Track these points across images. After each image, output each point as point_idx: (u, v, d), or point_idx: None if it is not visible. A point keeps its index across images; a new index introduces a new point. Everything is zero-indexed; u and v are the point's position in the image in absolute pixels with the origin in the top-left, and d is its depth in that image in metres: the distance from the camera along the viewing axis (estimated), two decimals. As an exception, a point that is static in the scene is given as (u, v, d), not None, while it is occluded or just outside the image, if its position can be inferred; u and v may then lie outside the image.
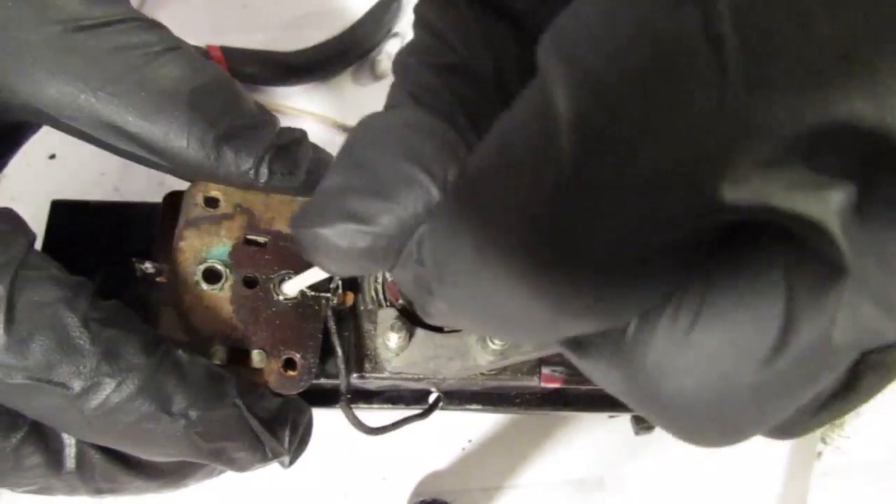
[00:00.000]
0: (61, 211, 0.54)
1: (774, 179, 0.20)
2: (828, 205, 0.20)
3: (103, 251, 0.49)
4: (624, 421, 0.87)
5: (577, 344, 0.28)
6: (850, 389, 0.26)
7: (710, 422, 0.25)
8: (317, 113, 0.94)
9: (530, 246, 0.23)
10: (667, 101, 0.19)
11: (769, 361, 0.23)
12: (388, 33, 1.00)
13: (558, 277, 0.23)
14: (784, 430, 0.28)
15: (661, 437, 0.86)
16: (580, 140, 0.21)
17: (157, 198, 0.54)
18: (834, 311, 0.22)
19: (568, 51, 0.21)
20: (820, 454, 0.82)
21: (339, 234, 0.33)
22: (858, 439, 0.81)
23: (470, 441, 0.89)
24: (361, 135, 0.36)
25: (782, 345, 0.23)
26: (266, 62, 0.93)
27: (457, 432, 0.89)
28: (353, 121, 0.94)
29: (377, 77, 0.99)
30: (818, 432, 0.83)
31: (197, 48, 0.84)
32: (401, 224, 0.32)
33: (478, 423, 0.89)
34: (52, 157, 0.88)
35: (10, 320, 0.39)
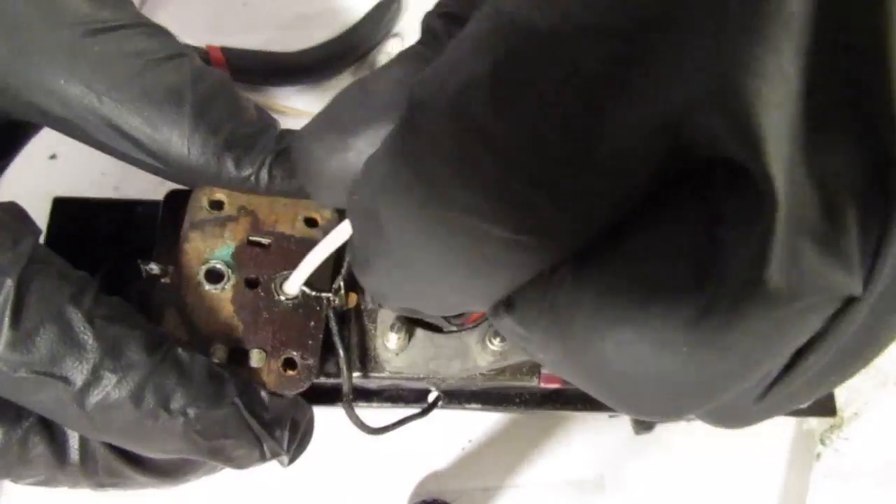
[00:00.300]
0: (63, 208, 0.54)
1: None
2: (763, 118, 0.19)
3: (104, 248, 0.49)
4: (624, 421, 0.87)
5: (511, 306, 0.27)
6: (791, 367, 0.24)
7: (645, 391, 0.24)
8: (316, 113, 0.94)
9: (468, 145, 0.22)
10: None
11: (700, 319, 0.22)
12: (388, 33, 1.00)
13: (497, 182, 0.22)
14: (725, 417, 0.27)
15: (660, 437, 0.86)
16: (519, 36, 0.21)
17: (158, 197, 0.55)
18: (765, 250, 0.20)
19: None
20: (819, 455, 0.82)
21: (322, 145, 0.33)
22: (858, 441, 0.81)
23: (470, 441, 0.89)
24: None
25: (712, 297, 0.21)
26: (266, 62, 0.93)
27: (457, 432, 0.89)
28: (353, 121, 0.94)
29: (377, 77, 0.98)
30: (817, 434, 0.83)
31: (197, 48, 0.84)
32: (373, 141, 0.31)
33: (478, 423, 0.89)
34: (53, 157, 0.88)
35: (16, 315, 0.39)
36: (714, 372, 0.23)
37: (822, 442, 0.82)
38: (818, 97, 0.20)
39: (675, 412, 0.26)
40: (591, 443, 0.89)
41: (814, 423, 0.84)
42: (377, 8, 0.98)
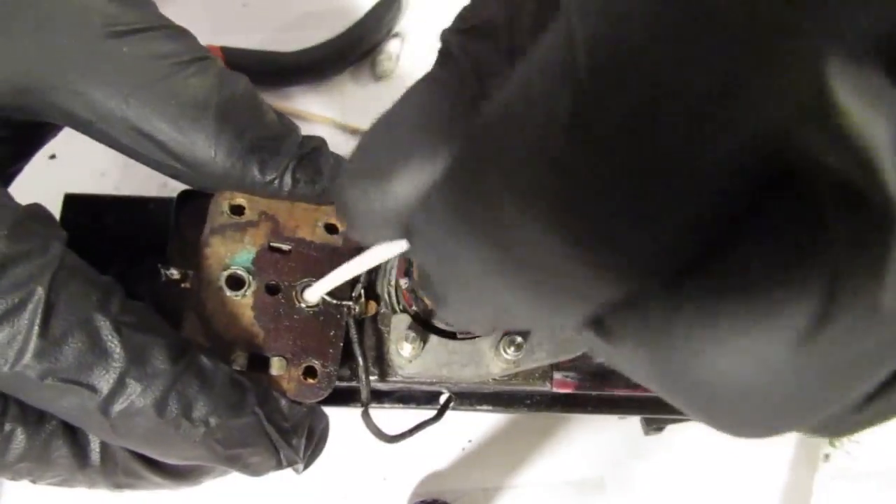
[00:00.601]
0: (74, 205, 0.54)
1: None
2: (879, 130, 0.18)
3: (116, 245, 0.49)
4: (624, 421, 0.87)
5: (599, 324, 0.25)
6: (893, 381, 0.23)
7: (745, 409, 0.23)
8: (317, 113, 0.94)
9: (550, 182, 0.21)
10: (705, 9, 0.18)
11: (809, 336, 0.20)
12: (388, 33, 0.99)
13: (583, 216, 0.21)
14: (827, 428, 0.26)
15: (662, 438, 0.86)
16: (597, 61, 0.19)
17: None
18: (881, 272, 0.19)
19: None
20: (828, 456, 0.83)
21: (358, 192, 0.33)
22: (868, 444, 0.82)
23: (470, 441, 0.89)
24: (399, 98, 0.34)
25: (823, 316, 0.20)
26: (266, 62, 0.93)
27: (457, 432, 0.89)
28: (353, 121, 0.94)
29: (377, 77, 0.98)
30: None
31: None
32: (414, 181, 0.30)
33: (478, 423, 0.89)
34: (53, 157, 0.88)
35: (46, 323, 0.39)
36: (818, 390, 0.22)
37: (832, 444, 0.82)
38: None
39: (772, 430, 0.25)
40: (591, 443, 0.89)
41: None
42: (378, 7, 0.98)
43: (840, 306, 0.20)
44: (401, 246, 0.37)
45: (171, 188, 0.84)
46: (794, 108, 0.18)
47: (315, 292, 0.48)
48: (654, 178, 0.20)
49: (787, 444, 0.89)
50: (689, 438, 0.88)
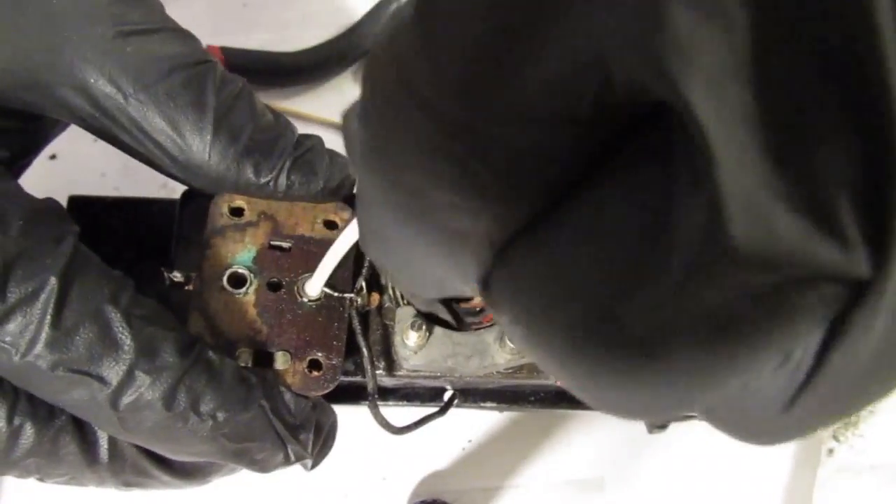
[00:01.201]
0: (78, 206, 0.54)
1: None
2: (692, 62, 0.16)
3: (120, 247, 0.49)
4: (624, 421, 0.87)
5: (486, 284, 0.25)
6: (815, 370, 0.20)
7: (607, 375, 0.22)
8: (316, 113, 0.94)
9: (397, 98, 0.21)
10: None
11: (653, 292, 0.19)
12: (387, 33, 0.99)
13: (423, 136, 0.21)
14: (750, 430, 0.25)
15: (662, 438, 0.86)
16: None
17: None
18: (717, 202, 0.17)
19: None
20: (832, 451, 0.82)
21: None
22: (873, 438, 0.82)
23: (470, 441, 0.89)
24: None
25: (655, 256, 0.19)
26: (266, 62, 0.93)
27: (457, 432, 0.89)
28: (352, 121, 0.94)
29: (377, 77, 0.98)
30: (830, 429, 0.83)
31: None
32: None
33: (478, 423, 0.89)
34: (53, 157, 0.88)
35: (58, 313, 0.39)
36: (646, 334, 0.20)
37: (836, 438, 0.82)
38: (772, 21, 0.16)
39: (652, 407, 0.24)
40: (591, 443, 0.89)
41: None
42: (377, 8, 0.98)
43: (686, 247, 0.19)
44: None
45: (171, 189, 0.84)
46: (619, 31, 0.18)
47: (314, 285, 0.49)
48: (483, 97, 0.20)
49: (789, 445, 0.89)
50: (690, 438, 0.88)
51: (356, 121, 0.25)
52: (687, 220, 0.18)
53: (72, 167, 0.88)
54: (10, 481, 0.82)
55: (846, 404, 0.22)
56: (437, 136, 0.21)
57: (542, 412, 0.89)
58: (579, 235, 0.21)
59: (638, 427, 0.86)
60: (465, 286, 0.27)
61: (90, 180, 0.89)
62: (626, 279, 0.20)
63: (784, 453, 0.88)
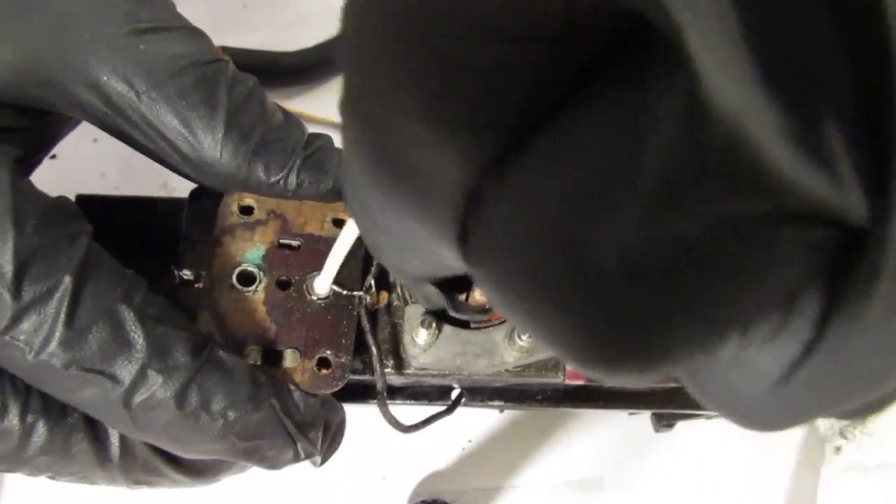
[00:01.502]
0: (84, 205, 0.54)
1: None
2: None
3: (126, 246, 0.49)
4: (624, 421, 0.88)
5: (465, 241, 0.23)
6: (813, 341, 0.18)
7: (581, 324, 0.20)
8: (317, 114, 0.94)
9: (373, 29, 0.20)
10: None
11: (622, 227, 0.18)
12: (387, 34, 0.99)
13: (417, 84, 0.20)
14: (743, 411, 0.23)
15: (662, 437, 0.86)
16: None
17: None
18: (690, 109, 0.15)
19: None
20: (839, 449, 0.83)
21: None
22: (881, 436, 0.82)
23: (470, 441, 0.89)
24: None
25: (629, 184, 0.17)
26: (266, 62, 0.93)
27: (457, 432, 0.89)
28: (352, 121, 0.94)
29: (376, 77, 0.98)
30: (837, 427, 0.83)
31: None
32: None
33: (478, 423, 0.90)
34: (53, 157, 0.87)
35: (72, 312, 0.40)
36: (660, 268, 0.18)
37: (844, 436, 0.82)
38: None
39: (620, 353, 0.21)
40: (591, 443, 0.89)
41: (819, 419, 0.85)
42: (377, 8, 0.98)
43: (658, 167, 0.17)
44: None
45: (171, 188, 0.84)
46: None
47: (322, 283, 0.49)
48: (448, 14, 0.18)
49: (791, 440, 0.89)
50: (690, 437, 0.88)
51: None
52: (661, 137, 0.16)
53: (72, 167, 0.87)
54: (11, 481, 0.82)
55: (852, 384, 0.20)
56: (402, 61, 0.20)
57: (542, 412, 0.89)
58: (545, 167, 0.19)
59: (638, 427, 0.87)
60: (445, 250, 0.25)
61: (90, 180, 0.88)
62: (593, 207, 0.18)
63: (787, 453, 0.89)
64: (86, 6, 0.44)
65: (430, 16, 0.19)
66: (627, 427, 0.88)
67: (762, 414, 0.22)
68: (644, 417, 0.85)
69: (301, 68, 0.94)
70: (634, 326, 0.19)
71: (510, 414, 0.90)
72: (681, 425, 0.84)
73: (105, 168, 0.89)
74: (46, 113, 0.47)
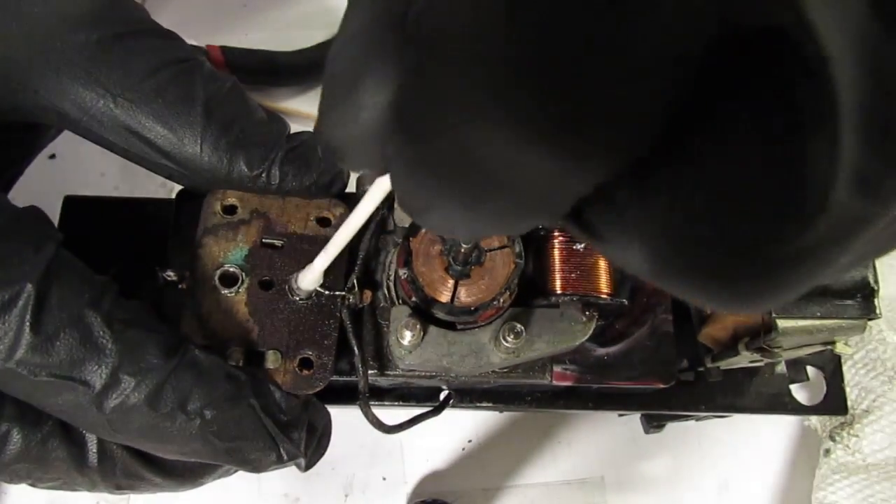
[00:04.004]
0: (73, 207, 0.54)
1: None
2: None
3: (115, 247, 0.50)
4: (624, 421, 0.87)
5: (579, 218, 0.24)
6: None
7: (735, 275, 0.22)
8: (315, 113, 0.93)
9: (498, 76, 0.19)
10: None
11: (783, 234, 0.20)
12: (387, 33, 0.99)
13: (541, 107, 0.19)
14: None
15: (661, 438, 0.86)
16: None
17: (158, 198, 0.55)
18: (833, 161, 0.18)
19: None
20: (828, 451, 0.82)
21: (333, 117, 0.30)
22: (869, 437, 0.82)
23: (470, 441, 0.89)
24: None
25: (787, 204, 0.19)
26: (266, 62, 0.93)
27: (457, 432, 0.89)
28: (352, 121, 0.94)
29: (376, 77, 0.98)
30: (828, 429, 0.83)
31: (197, 48, 0.84)
32: (374, 104, 0.26)
33: (478, 424, 0.89)
34: (52, 157, 0.88)
35: (37, 319, 0.39)
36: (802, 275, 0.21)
37: (833, 438, 0.82)
38: None
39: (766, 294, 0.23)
40: (591, 443, 0.89)
41: (815, 420, 0.84)
42: (377, 8, 0.97)
43: (808, 202, 0.19)
44: (383, 186, 0.37)
45: (170, 188, 0.84)
46: None
47: (306, 279, 0.48)
48: (602, 55, 0.18)
49: (785, 442, 0.89)
50: (689, 438, 0.88)
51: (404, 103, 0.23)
52: (817, 152, 0.18)
53: (71, 167, 0.88)
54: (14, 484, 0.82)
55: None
56: (540, 101, 0.19)
57: (542, 412, 0.89)
58: (704, 178, 0.20)
59: (638, 428, 0.86)
60: (547, 222, 0.25)
61: (90, 180, 0.89)
62: (768, 216, 0.20)
63: (782, 454, 0.88)
64: (55, 15, 0.44)
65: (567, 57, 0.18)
66: (627, 427, 0.87)
67: None
68: (638, 419, 0.85)
69: (300, 68, 0.94)
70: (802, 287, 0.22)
71: (510, 414, 0.90)
72: (680, 426, 0.83)
73: (105, 168, 0.89)
74: (22, 124, 0.47)
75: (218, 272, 0.49)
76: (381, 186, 0.37)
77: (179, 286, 0.48)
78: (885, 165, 0.17)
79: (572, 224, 0.24)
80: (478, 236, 0.32)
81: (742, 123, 0.19)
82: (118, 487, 0.47)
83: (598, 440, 0.89)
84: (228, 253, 0.49)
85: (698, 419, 0.76)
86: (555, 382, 0.54)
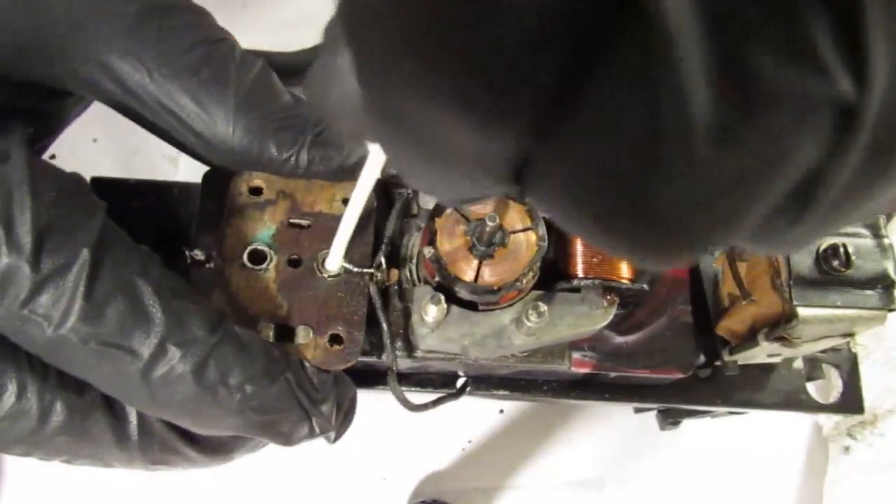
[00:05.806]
0: (100, 188, 0.54)
1: None
2: None
3: (141, 229, 0.49)
4: (624, 421, 0.88)
5: (520, 178, 0.24)
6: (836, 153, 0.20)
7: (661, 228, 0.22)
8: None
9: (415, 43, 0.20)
10: None
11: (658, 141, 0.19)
12: (385, 35, 1.00)
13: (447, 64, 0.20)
14: (767, 241, 0.25)
15: (661, 437, 0.86)
16: None
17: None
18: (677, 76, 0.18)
19: None
20: (848, 449, 0.82)
21: (315, 83, 0.31)
22: (892, 437, 0.82)
23: (470, 441, 0.89)
24: None
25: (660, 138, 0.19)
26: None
27: (457, 432, 0.89)
28: (351, 122, 0.94)
29: (375, 78, 0.98)
30: (845, 428, 0.83)
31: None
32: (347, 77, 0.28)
33: (478, 423, 0.90)
34: (52, 157, 0.87)
35: (90, 286, 0.39)
36: (728, 195, 0.21)
37: (853, 436, 0.82)
38: None
39: (697, 243, 0.23)
40: (591, 443, 0.89)
41: (822, 418, 0.85)
42: (376, 9, 0.98)
43: (678, 125, 0.19)
44: (378, 156, 0.38)
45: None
46: None
47: (333, 259, 0.49)
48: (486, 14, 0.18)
49: (793, 442, 0.89)
50: (692, 437, 0.88)
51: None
52: (670, 106, 0.19)
53: (71, 167, 0.86)
54: (10, 482, 0.81)
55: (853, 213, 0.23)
56: (430, 46, 0.20)
57: (542, 410, 0.89)
58: (592, 130, 0.20)
59: (638, 427, 0.87)
60: (492, 189, 0.26)
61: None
62: (641, 165, 0.20)
63: (790, 452, 0.89)
64: None
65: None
66: (628, 427, 0.88)
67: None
68: (648, 416, 0.85)
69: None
70: (692, 239, 0.23)
71: (510, 414, 0.90)
72: (684, 424, 0.84)
73: (104, 168, 0.89)
74: (56, 93, 0.47)
75: (247, 250, 0.49)
76: (378, 156, 0.38)
77: (207, 265, 0.48)
78: (741, 117, 0.18)
79: (519, 191, 0.25)
80: (454, 198, 0.32)
81: (618, 78, 0.20)
82: (153, 463, 0.47)
83: (598, 440, 0.89)
84: (256, 232, 0.50)
85: (714, 416, 0.76)
86: (573, 369, 0.54)
